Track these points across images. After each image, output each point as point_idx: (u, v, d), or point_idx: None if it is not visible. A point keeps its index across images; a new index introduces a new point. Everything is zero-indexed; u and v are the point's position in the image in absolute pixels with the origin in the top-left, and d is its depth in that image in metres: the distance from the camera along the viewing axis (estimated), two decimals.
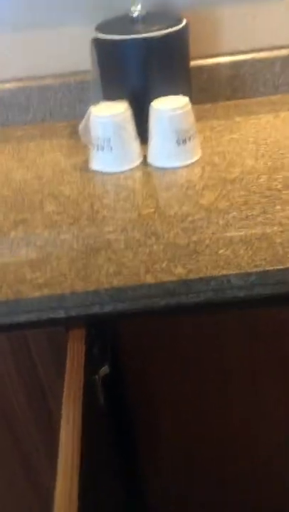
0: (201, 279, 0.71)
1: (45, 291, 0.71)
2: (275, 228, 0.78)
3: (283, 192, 0.86)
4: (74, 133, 1.11)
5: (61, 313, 0.73)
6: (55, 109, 1.22)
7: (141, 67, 1.04)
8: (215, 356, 0.86)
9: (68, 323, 0.74)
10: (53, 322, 0.74)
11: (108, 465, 0.86)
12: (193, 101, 0.98)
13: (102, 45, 1.02)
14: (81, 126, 1.00)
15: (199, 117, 1.06)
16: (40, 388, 0.81)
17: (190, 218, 0.83)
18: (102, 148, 0.98)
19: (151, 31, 0.99)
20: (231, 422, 0.96)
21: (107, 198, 0.92)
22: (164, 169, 0.98)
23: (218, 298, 0.73)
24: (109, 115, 0.96)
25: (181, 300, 0.73)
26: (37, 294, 0.71)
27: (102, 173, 1.00)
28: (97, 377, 0.76)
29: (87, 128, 1.00)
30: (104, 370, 0.80)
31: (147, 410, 0.94)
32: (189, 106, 0.96)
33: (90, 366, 0.77)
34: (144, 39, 0.99)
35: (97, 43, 1.03)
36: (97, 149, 0.99)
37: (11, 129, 1.23)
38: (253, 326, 0.82)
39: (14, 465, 0.93)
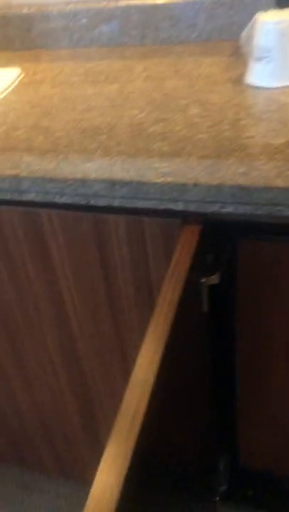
0: None
1: (168, 179, 0.70)
2: None
3: None
4: (239, 52, 1.06)
5: (180, 206, 0.71)
6: (225, 26, 1.17)
7: None
8: None
9: (186, 217, 0.72)
10: (170, 213, 0.72)
11: (197, 367, 0.84)
12: None
13: None
14: (244, 33, 0.94)
15: None
16: (146, 275, 0.80)
17: None
18: (261, 60, 0.91)
19: None
20: None
21: (254, 108, 0.86)
22: None
23: None
24: (275, 21, 0.88)
25: None
26: (160, 180, 0.70)
27: (257, 87, 0.93)
28: (204, 280, 0.74)
29: (250, 36, 0.93)
30: (214, 278, 0.78)
31: (254, 335, 0.89)
32: None
33: (200, 269, 0.74)
34: None
35: None
36: (256, 60, 0.92)
37: (174, 45, 1.21)
38: None
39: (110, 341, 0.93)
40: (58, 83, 1.10)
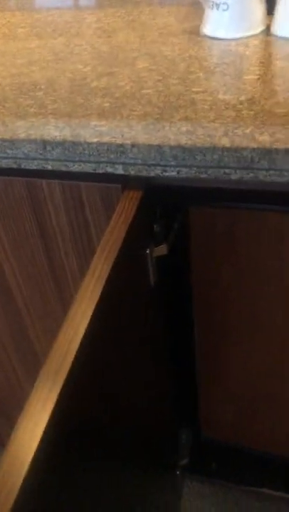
0: (287, 151, 0.56)
1: (105, 139, 0.62)
2: None
3: None
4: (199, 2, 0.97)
5: (119, 169, 0.64)
6: None
7: None
8: None
9: (126, 182, 0.65)
10: (110, 178, 0.65)
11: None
12: None
13: None
14: None
15: None
16: (89, 244, 0.73)
17: None
18: (218, 7, 0.83)
19: None
20: None
21: (208, 61, 0.78)
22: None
23: None
24: None
25: (258, 176, 0.59)
26: (95, 140, 0.62)
27: (214, 38, 0.85)
28: (148, 251, 0.68)
29: None
30: (161, 249, 0.72)
31: (210, 308, 0.84)
32: None
33: (145, 239, 0.68)
34: None
35: None
36: (212, 8, 0.84)
37: None
38: None
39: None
40: (1, 35, 1.01)
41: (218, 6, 0.83)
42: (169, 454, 1.07)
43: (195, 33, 0.88)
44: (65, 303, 0.82)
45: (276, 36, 0.83)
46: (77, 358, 0.47)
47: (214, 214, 0.73)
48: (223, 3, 0.82)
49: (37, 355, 0.96)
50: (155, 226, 0.71)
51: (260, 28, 0.85)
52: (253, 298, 0.79)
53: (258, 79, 0.71)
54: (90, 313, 0.50)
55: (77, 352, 0.47)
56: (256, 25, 0.84)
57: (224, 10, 0.82)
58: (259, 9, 0.84)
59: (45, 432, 0.41)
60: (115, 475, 0.71)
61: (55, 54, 0.88)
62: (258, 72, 0.73)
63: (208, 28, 0.86)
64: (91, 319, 0.50)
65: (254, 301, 0.79)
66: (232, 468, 1.14)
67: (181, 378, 0.96)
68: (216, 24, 0.85)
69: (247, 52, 0.79)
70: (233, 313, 0.83)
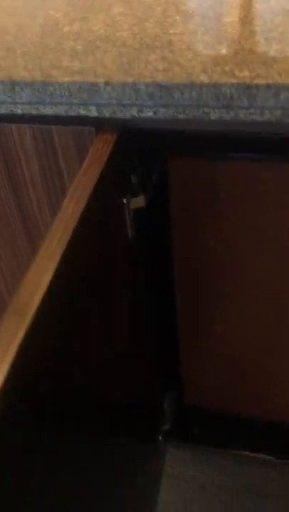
0: (268, 86, 0.54)
1: (77, 78, 0.59)
2: None
3: None
4: None
5: (92, 111, 0.61)
6: None
7: None
8: (281, 213, 0.71)
9: (100, 124, 0.62)
10: (83, 121, 0.62)
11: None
12: None
13: None
14: None
15: None
16: (62, 192, 0.70)
17: (281, 29, 0.64)
18: None
19: None
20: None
21: (187, 4, 0.75)
22: None
23: (287, 121, 0.56)
24: None
25: (238, 114, 0.57)
26: (67, 79, 0.59)
27: None
28: (125, 200, 0.65)
29: None
30: (138, 201, 0.69)
31: (190, 264, 0.82)
32: None
33: (121, 189, 0.65)
34: None
35: None
36: None
37: None
38: None
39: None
40: None
41: None
42: (151, 418, 1.06)
43: None
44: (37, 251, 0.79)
45: None
46: (43, 301, 0.44)
47: (195, 164, 0.70)
48: None
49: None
50: (132, 176, 0.68)
51: None
52: (235, 250, 0.77)
53: (238, 21, 0.68)
54: (57, 259, 0.48)
55: (43, 297, 0.44)
56: None
57: None
58: None
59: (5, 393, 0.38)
60: (94, 441, 0.69)
61: (24, 1, 0.84)
62: (237, 15, 0.70)
63: None
64: (58, 265, 0.47)
65: (236, 253, 0.78)
66: (215, 433, 1.14)
67: (162, 336, 0.94)
68: None
69: None
70: (214, 268, 0.81)
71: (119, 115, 0.60)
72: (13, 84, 0.61)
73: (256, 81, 0.54)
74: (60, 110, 0.61)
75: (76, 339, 0.55)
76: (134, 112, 0.59)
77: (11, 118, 0.64)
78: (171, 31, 0.67)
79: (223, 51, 0.61)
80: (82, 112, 0.61)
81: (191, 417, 1.13)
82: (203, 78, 0.56)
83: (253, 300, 0.83)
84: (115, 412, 0.78)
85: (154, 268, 0.83)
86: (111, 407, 0.75)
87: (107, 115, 0.61)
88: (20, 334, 0.41)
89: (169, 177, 0.72)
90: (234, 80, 0.55)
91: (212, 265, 0.81)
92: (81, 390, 0.60)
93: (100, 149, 0.59)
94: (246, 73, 0.56)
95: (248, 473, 1.12)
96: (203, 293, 0.86)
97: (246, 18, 0.70)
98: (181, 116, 0.58)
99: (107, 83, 0.58)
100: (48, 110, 0.62)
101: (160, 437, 1.10)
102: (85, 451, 0.65)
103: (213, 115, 0.58)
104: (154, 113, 0.59)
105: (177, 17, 0.71)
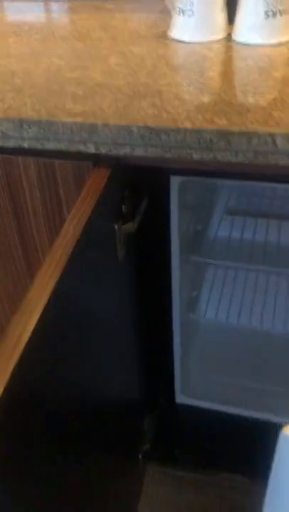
0: (242, 133, 0.63)
1: (78, 119, 0.68)
2: None
3: None
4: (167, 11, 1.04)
5: (90, 148, 0.69)
6: None
7: None
8: None
9: (97, 160, 0.71)
10: (82, 156, 0.71)
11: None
12: None
13: None
14: None
15: None
16: (60, 221, 0.77)
17: (256, 84, 0.74)
18: (184, 13, 0.91)
19: None
20: None
21: (175, 59, 0.86)
22: (248, 45, 0.89)
23: (258, 161, 0.65)
24: None
25: (217, 156, 0.66)
26: (70, 119, 0.68)
27: (180, 41, 0.93)
28: (116, 226, 0.73)
29: None
30: (130, 226, 0.77)
31: None
32: None
33: (114, 216, 0.74)
34: None
35: None
36: (179, 13, 0.92)
37: (104, 1, 1.19)
38: None
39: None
40: None
41: (184, 12, 0.90)
42: (132, 437, 1.10)
43: (163, 36, 0.96)
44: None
45: (236, 42, 0.91)
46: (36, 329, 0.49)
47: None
48: (189, 10, 0.90)
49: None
50: (123, 206, 0.77)
51: (222, 34, 0.93)
52: None
53: (219, 75, 0.79)
54: (56, 278, 0.55)
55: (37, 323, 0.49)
56: (218, 31, 0.92)
57: (190, 16, 0.90)
58: (221, 17, 0.92)
59: None
60: (73, 458, 0.72)
61: (31, 48, 0.94)
62: (218, 70, 0.80)
63: (175, 32, 0.94)
64: (57, 283, 0.54)
65: None
66: (194, 455, 1.19)
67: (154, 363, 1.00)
68: (182, 29, 0.92)
69: (209, 54, 0.87)
70: None
71: (114, 152, 0.69)
72: (21, 122, 0.69)
73: (232, 128, 0.64)
74: (62, 146, 0.70)
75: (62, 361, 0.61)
76: (127, 150, 0.68)
77: (18, 151, 0.73)
78: (160, 82, 0.77)
79: (205, 101, 0.71)
80: (82, 148, 0.69)
81: (171, 438, 1.18)
82: (187, 124, 0.65)
83: None
84: (97, 429, 0.82)
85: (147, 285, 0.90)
86: (94, 423, 0.80)
87: (104, 151, 0.69)
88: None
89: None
90: (213, 127, 0.64)
91: None
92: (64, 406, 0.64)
93: (96, 182, 0.68)
94: (224, 121, 0.65)
95: (227, 497, 1.16)
96: None
97: (226, 73, 0.80)
98: (168, 155, 0.67)
99: (105, 125, 0.67)
100: (51, 145, 0.70)
101: (140, 457, 1.15)
102: (63, 468, 0.68)
103: (195, 155, 0.67)
104: (144, 151, 0.68)
105: (167, 70, 0.81)
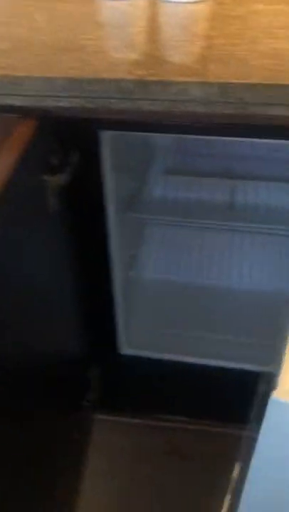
0: (160, 82, 0.67)
1: (4, 72, 0.70)
2: (255, 54, 0.72)
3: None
4: None
5: (17, 101, 0.71)
6: None
7: None
8: None
9: (24, 112, 0.73)
10: (9, 109, 0.73)
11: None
12: None
13: None
14: None
15: None
16: None
17: (176, 39, 0.78)
18: None
19: None
20: None
21: (100, 16, 0.88)
22: (170, 2, 0.92)
23: (176, 109, 0.69)
24: None
25: (135, 105, 0.70)
26: None
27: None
28: (46, 177, 0.76)
29: None
30: (60, 178, 0.80)
31: None
32: None
33: (43, 168, 0.76)
34: None
35: None
36: None
37: None
38: None
39: None
40: None
41: None
42: (77, 387, 1.15)
43: None
44: None
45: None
46: None
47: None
48: None
49: None
50: (53, 158, 0.79)
51: None
52: None
53: (141, 31, 0.82)
54: None
55: None
56: None
57: None
58: None
59: None
60: (19, 407, 0.75)
61: None
62: (141, 26, 0.83)
63: None
64: None
65: None
66: (142, 401, 1.25)
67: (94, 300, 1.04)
68: None
69: (134, 11, 0.89)
70: None
71: (39, 104, 0.71)
72: None
73: (150, 78, 0.68)
74: None
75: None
76: (51, 102, 0.71)
77: None
78: (83, 36, 0.80)
79: (127, 54, 0.74)
80: (8, 101, 0.72)
81: (118, 386, 1.24)
82: (108, 75, 0.69)
83: None
84: (41, 378, 0.86)
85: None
86: (38, 373, 0.83)
87: (29, 104, 0.72)
88: None
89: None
90: (133, 77, 0.68)
91: None
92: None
93: (22, 134, 0.70)
94: (144, 71, 0.69)
95: (170, 436, 1.24)
96: None
97: (149, 28, 0.83)
98: (90, 105, 0.71)
99: (29, 77, 0.69)
100: None
101: (87, 406, 1.20)
102: (8, 419, 0.71)
103: (116, 105, 0.70)
104: (69, 103, 0.71)
105: (90, 25, 0.84)
